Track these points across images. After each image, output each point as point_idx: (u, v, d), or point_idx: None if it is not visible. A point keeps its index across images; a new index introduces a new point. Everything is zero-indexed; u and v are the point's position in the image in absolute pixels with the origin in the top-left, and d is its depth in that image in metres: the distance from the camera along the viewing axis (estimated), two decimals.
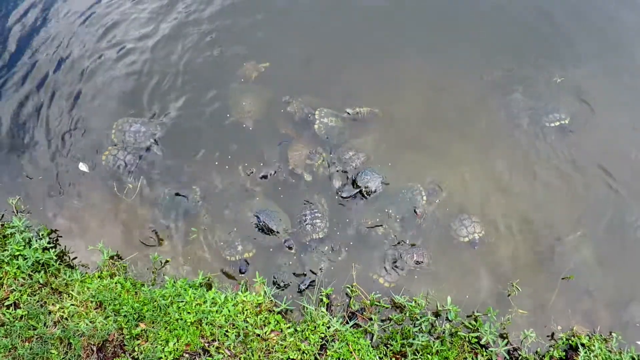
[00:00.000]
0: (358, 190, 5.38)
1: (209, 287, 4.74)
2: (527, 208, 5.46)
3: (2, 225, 4.91)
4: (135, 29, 6.67)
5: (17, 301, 4.39)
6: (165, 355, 4.13)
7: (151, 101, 6.07)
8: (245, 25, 6.72)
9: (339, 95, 6.17)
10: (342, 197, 5.36)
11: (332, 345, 4.29)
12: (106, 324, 4.26)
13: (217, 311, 4.40)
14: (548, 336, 4.74)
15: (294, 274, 4.98)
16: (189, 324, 4.30)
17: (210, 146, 5.73)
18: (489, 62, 6.45)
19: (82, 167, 5.38)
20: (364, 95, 6.17)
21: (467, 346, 4.44)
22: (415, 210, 5.32)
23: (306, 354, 4.23)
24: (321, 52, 6.48)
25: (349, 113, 5.92)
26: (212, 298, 4.48)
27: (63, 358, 4.10)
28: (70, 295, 4.46)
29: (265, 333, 4.32)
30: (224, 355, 4.20)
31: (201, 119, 5.96)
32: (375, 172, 5.51)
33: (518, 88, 6.23)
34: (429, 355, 4.30)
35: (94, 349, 4.18)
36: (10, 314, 4.27)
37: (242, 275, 4.93)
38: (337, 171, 5.54)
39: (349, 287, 4.80)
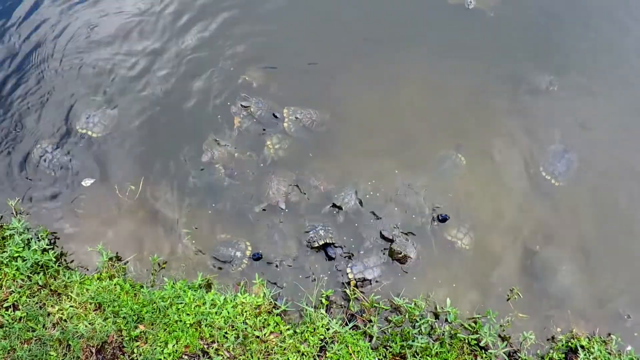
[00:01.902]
0: (332, 206, 5.32)
1: (208, 288, 4.73)
2: (529, 219, 5.45)
3: (2, 226, 4.91)
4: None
5: (16, 303, 4.39)
6: (164, 357, 4.12)
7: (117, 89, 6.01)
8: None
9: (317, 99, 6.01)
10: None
11: (332, 347, 4.29)
12: (105, 326, 4.26)
13: (216, 313, 4.40)
14: (548, 339, 4.73)
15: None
16: (188, 325, 4.30)
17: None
18: (487, 66, 6.44)
19: (87, 182, 5.37)
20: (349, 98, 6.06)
21: (467, 348, 4.44)
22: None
23: (305, 356, 4.23)
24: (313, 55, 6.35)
25: (276, 116, 5.73)
26: (212, 299, 4.48)
27: None
28: (69, 296, 4.46)
29: (264, 335, 4.31)
30: (223, 357, 4.20)
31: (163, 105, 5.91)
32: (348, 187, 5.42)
33: (514, 95, 6.20)
34: (428, 357, 4.29)
35: (93, 350, 4.18)
36: (9, 315, 4.27)
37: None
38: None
39: (348, 289, 4.80)
